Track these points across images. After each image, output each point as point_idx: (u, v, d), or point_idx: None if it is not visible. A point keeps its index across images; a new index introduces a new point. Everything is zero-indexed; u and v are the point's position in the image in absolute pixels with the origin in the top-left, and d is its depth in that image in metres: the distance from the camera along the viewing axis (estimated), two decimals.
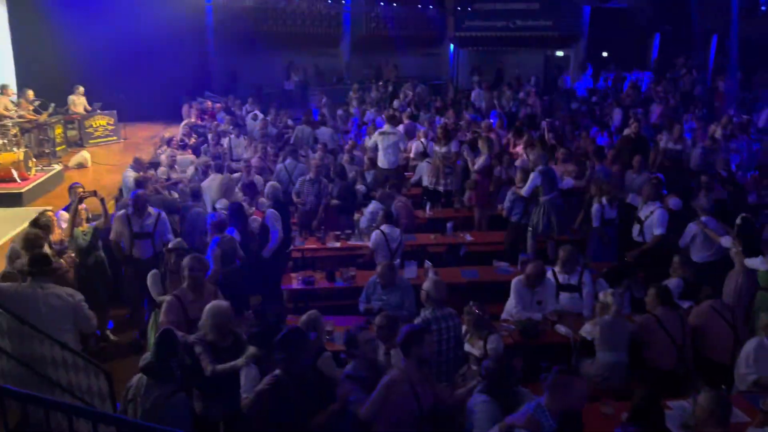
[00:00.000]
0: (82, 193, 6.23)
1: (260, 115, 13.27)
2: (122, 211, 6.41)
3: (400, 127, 11.37)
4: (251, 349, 4.28)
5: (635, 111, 12.93)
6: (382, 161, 10.17)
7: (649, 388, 4.27)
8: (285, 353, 3.74)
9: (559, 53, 23.61)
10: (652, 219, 6.98)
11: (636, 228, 7.18)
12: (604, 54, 21.85)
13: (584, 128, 12.41)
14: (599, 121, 13.67)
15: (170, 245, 5.58)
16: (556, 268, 5.91)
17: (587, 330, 4.99)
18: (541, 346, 5.34)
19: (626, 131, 10.68)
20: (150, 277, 5.36)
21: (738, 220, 6.35)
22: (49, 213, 6.19)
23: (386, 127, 10.38)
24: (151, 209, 6.45)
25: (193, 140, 11.45)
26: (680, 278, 5.94)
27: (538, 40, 22.11)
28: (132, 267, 6.40)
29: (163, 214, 6.55)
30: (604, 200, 7.48)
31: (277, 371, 3.76)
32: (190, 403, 3.95)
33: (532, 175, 7.76)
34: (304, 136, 11.63)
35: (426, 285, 4.85)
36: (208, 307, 4.29)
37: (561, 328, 5.39)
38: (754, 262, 5.94)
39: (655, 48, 22.03)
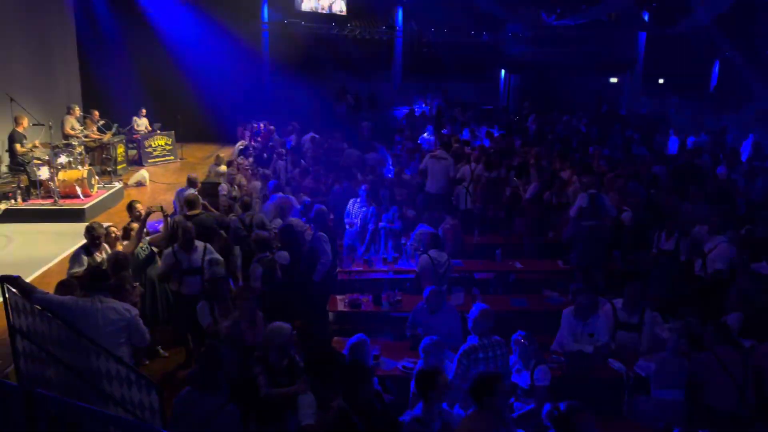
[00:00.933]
0: (149, 208, 6.44)
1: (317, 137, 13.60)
2: (168, 249, 6.11)
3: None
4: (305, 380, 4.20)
5: (691, 139, 12.58)
6: (430, 185, 10.18)
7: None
8: (344, 386, 3.72)
9: (613, 79, 23.27)
10: (714, 253, 6.72)
11: (698, 262, 6.90)
12: (661, 81, 21.39)
13: (639, 156, 12.14)
14: (652, 149, 13.36)
15: (206, 276, 5.53)
16: (618, 305, 5.69)
17: (642, 366, 4.81)
18: (592, 381, 5.18)
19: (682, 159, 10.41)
20: (199, 310, 5.23)
21: (743, 231, 6.77)
22: (113, 228, 6.39)
23: (438, 152, 10.41)
24: (196, 242, 6.13)
25: (246, 161, 11.76)
26: (740, 313, 5.68)
27: (591, 65, 21.85)
28: (180, 303, 6.07)
29: (208, 246, 6.21)
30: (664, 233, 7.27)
31: (340, 401, 3.71)
32: (240, 418, 3.98)
33: (579, 196, 7.61)
34: (352, 159, 11.77)
35: (473, 313, 4.78)
36: (270, 327, 4.36)
37: (614, 363, 5.21)
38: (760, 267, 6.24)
39: (714, 75, 21.44)
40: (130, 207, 6.81)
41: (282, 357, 4.34)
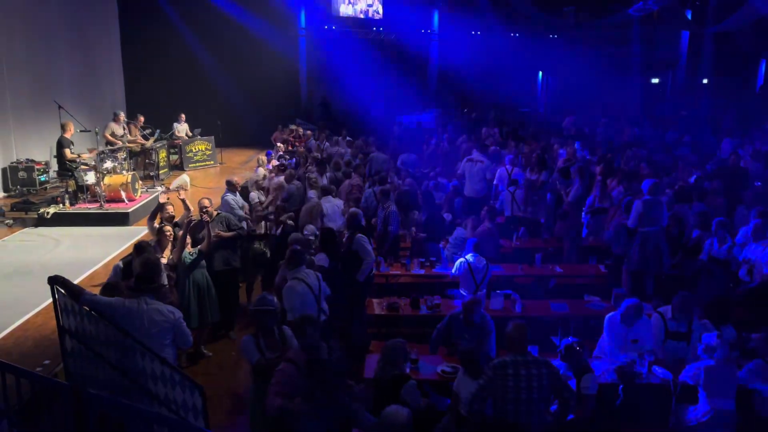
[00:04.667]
0: (191, 217, 6.57)
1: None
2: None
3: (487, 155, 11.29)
4: None
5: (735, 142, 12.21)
6: (468, 189, 10.11)
7: None
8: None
9: (655, 80, 22.75)
10: (762, 258, 6.46)
11: (744, 267, 6.65)
12: (705, 81, 20.82)
13: (681, 158, 11.83)
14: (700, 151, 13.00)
15: (255, 306, 4.79)
16: (667, 314, 5.51)
17: (690, 374, 4.66)
18: (637, 388, 5.04)
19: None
20: (244, 344, 4.65)
21: None
22: (167, 228, 6.54)
23: (474, 155, 10.33)
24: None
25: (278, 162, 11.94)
26: None
27: (632, 66, 21.41)
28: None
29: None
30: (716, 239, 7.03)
31: None
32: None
33: (635, 203, 7.40)
34: (379, 162, 11.80)
35: (508, 328, 4.44)
36: (386, 422, 3.81)
37: (660, 370, 5.06)
38: None
39: (760, 74, 20.77)
40: (161, 208, 6.97)
41: None
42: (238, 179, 9.73)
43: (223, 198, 8.46)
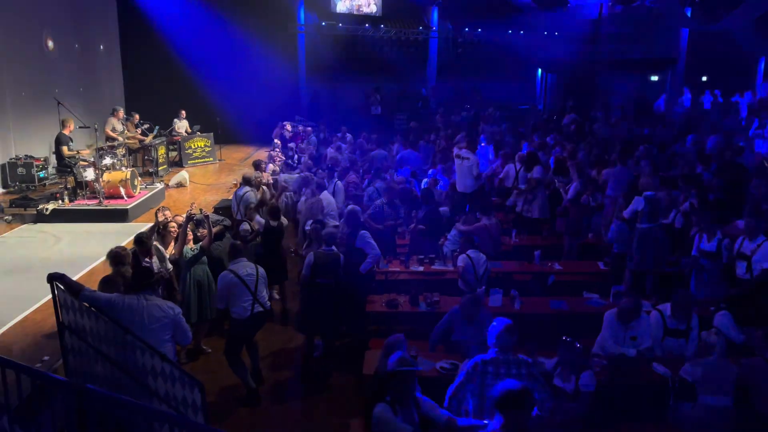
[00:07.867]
0: (191, 213, 6.57)
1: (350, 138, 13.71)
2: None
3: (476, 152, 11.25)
4: None
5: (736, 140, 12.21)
6: (459, 184, 10.13)
7: None
8: (505, 417, 3.37)
9: (654, 77, 22.76)
10: (759, 254, 6.46)
11: (743, 265, 6.62)
12: (704, 78, 20.83)
13: (681, 156, 11.82)
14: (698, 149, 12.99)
15: (396, 366, 3.85)
16: (666, 311, 5.51)
17: (688, 371, 4.68)
18: (636, 385, 5.06)
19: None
20: (381, 414, 3.79)
21: None
22: (172, 224, 6.56)
23: (463, 152, 10.30)
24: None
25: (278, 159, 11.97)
26: None
27: (631, 63, 21.40)
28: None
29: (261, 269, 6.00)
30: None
31: None
32: None
33: (635, 199, 7.42)
34: (380, 159, 11.78)
35: (497, 327, 4.42)
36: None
37: (658, 367, 5.08)
38: None
39: (759, 72, 20.79)
40: (157, 212, 6.98)
41: None
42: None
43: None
